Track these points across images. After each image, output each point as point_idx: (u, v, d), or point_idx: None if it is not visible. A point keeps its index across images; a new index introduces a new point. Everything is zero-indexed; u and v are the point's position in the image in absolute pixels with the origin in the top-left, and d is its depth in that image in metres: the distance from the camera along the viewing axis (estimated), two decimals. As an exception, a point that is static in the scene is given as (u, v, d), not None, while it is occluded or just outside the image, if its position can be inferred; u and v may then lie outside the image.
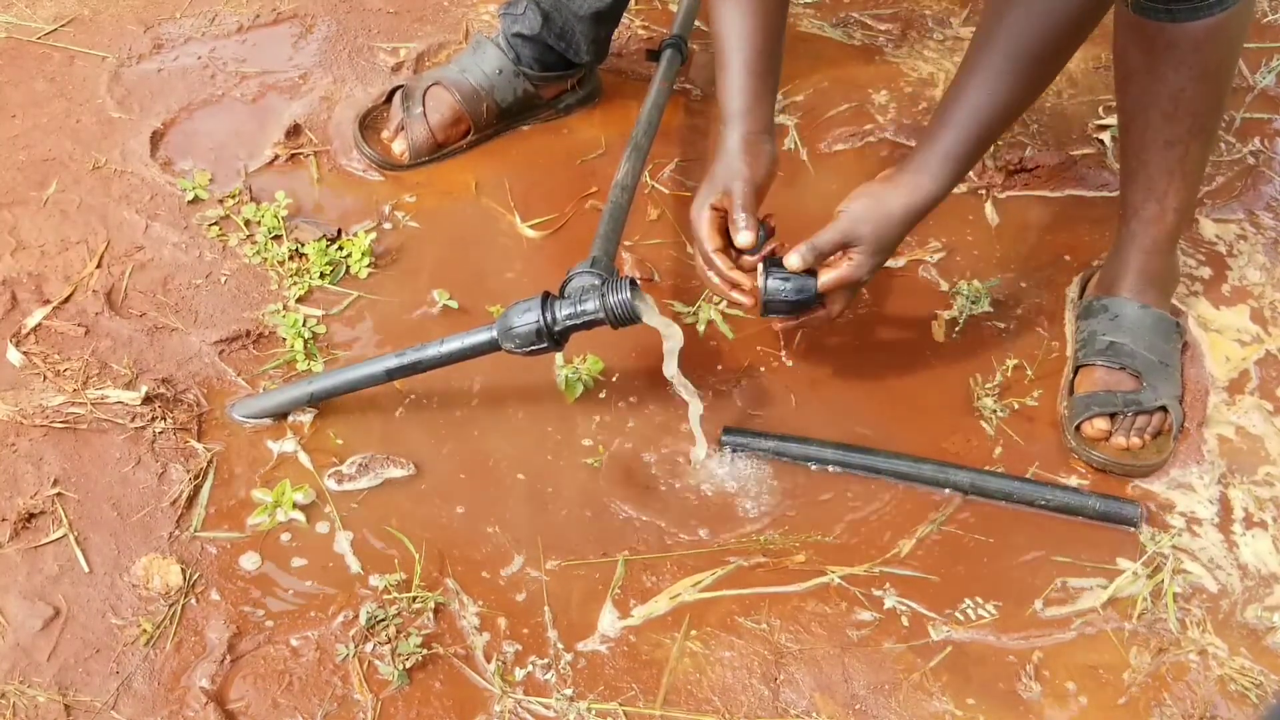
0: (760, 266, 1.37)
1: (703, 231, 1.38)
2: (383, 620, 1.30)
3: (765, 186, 1.42)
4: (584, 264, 1.39)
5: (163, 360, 1.51)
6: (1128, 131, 1.50)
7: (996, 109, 1.29)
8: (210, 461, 1.43)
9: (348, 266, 1.65)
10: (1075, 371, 1.57)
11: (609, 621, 1.34)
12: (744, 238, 1.36)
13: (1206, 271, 1.75)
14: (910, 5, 2.15)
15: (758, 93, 1.40)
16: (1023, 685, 1.31)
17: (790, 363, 1.59)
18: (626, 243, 1.69)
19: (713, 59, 1.45)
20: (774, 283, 1.35)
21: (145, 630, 1.28)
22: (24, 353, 1.48)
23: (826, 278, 1.36)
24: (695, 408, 1.44)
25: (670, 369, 1.39)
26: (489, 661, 1.29)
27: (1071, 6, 1.22)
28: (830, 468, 1.48)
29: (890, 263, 1.65)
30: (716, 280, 1.39)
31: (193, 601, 1.31)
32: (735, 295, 1.39)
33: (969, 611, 1.37)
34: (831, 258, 1.36)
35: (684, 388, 1.42)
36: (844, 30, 2.08)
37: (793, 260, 1.34)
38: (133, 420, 1.44)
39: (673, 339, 1.37)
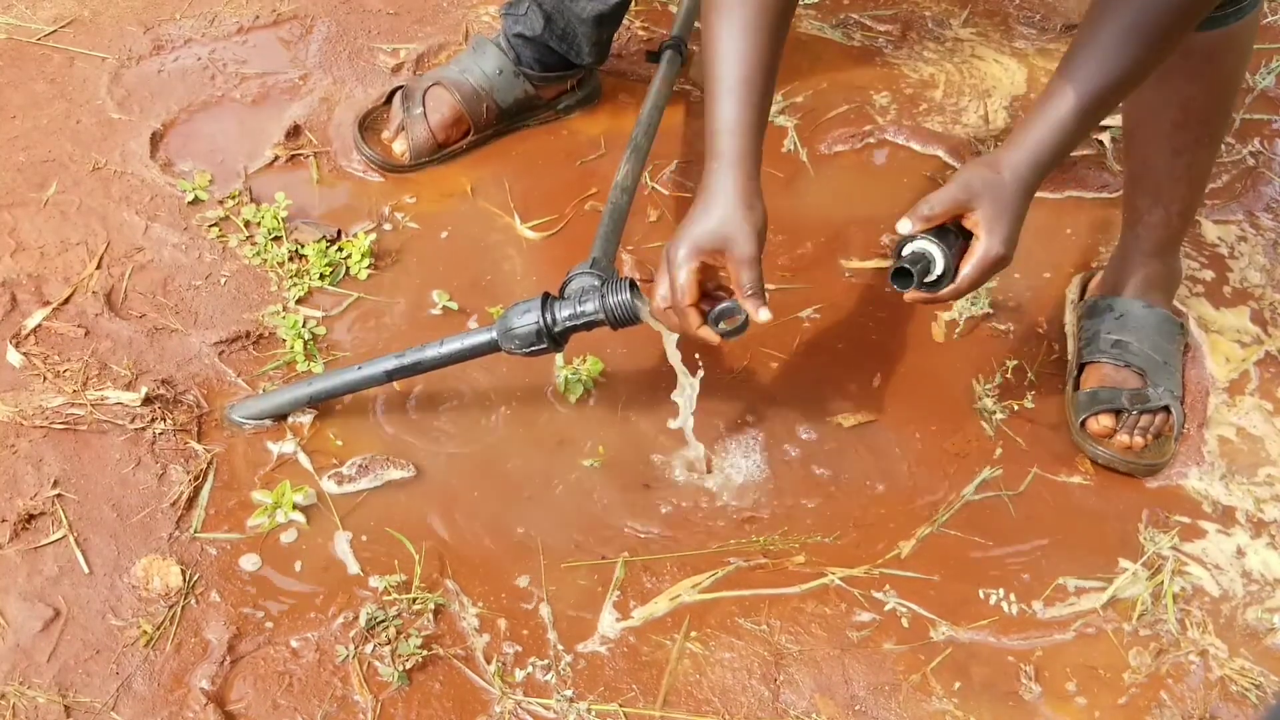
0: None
1: (686, 281, 1.24)
2: (383, 621, 1.30)
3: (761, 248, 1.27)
4: (584, 265, 1.39)
5: (162, 361, 1.51)
6: (1134, 137, 1.49)
7: (1105, 82, 1.17)
8: (210, 463, 1.43)
9: (347, 268, 1.65)
10: (1080, 369, 1.57)
11: (609, 622, 1.34)
12: (764, 315, 1.22)
13: (1208, 274, 1.75)
14: (910, 6, 2.15)
15: (756, 131, 1.24)
16: (1023, 686, 1.31)
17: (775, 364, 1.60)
18: (627, 244, 1.69)
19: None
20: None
21: (145, 631, 1.28)
22: (24, 354, 1.48)
23: (966, 270, 1.22)
24: (686, 394, 1.40)
25: (671, 351, 1.38)
26: (489, 663, 1.29)
27: None
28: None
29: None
30: (679, 328, 1.28)
31: (192, 603, 1.31)
32: (703, 333, 1.27)
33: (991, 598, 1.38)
34: (961, 244, 1.24)
35: (681, 373, 1.39)
36: (844, 31, 2.08)
37: (903, 226, 1.23)
38: (133, 421, 1.44)
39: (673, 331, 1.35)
